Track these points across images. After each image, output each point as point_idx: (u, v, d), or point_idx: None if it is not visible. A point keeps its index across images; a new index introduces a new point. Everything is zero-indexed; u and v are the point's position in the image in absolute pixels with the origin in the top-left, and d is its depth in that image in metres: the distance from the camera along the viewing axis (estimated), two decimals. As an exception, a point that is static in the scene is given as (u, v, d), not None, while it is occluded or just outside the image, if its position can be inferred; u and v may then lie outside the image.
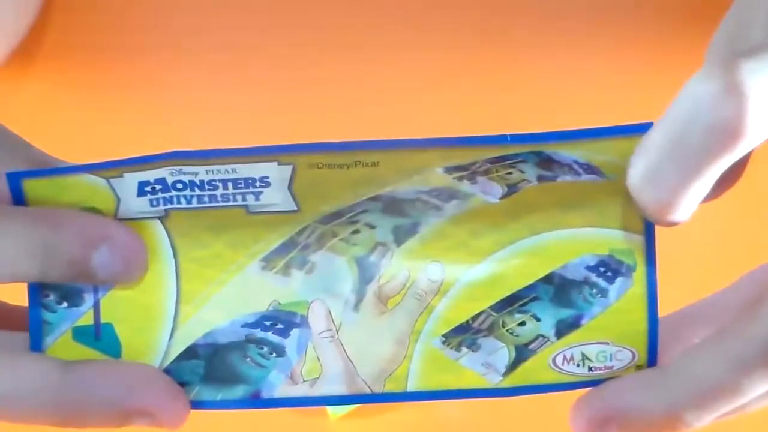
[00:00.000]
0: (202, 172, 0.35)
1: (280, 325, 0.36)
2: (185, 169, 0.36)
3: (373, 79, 0.56)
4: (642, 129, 0.33)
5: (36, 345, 0.35)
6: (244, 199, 0.36)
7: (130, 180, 0.36)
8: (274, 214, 0.36)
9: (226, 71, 0.56)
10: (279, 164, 0.35)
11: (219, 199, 0.36)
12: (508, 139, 0.34)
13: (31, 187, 0.35)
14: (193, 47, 0.57)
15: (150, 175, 0.36)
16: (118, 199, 0.36)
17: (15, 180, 0.35)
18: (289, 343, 0.36)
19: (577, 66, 0.54)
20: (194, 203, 0.36)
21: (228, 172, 0.36)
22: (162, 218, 0.36)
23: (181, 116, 0.56)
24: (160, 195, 0.36)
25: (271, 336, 0.36)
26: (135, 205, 0.36)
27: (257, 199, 0.36)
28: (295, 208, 0.36)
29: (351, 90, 0.56)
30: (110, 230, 0.34)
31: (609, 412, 0.34)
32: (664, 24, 0.46)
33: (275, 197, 0.36)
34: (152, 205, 0.36)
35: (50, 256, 0.33)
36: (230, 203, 0.36)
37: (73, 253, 0.33)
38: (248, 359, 0.36)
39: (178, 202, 0.36)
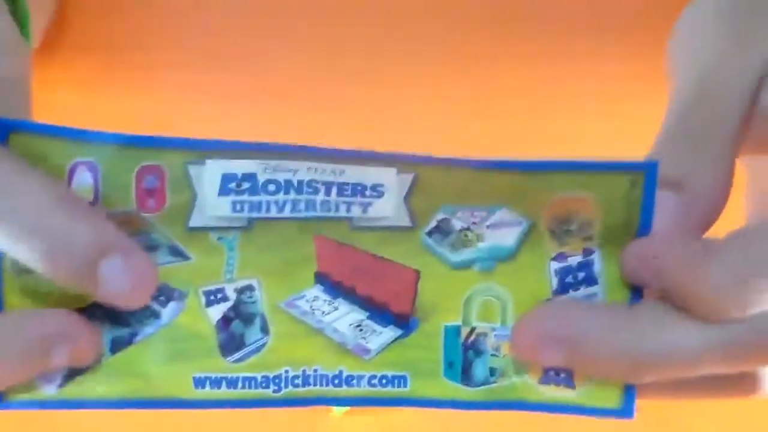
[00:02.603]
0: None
1: None
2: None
3: (375, 86, 0.56)
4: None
5: None
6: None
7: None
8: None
9: (242, 73, 0.57)
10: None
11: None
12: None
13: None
14: (209, 48, 0.58)
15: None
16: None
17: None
18: None
19: (580, 78, 0.54)
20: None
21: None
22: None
23: (198, 114, 0.56)
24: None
25: None
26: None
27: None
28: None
29: (355, 94, 0.56)
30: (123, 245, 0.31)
31: (561, 332, 0.32)
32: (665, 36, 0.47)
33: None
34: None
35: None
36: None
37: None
38: None
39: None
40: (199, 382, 0.33)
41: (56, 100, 0.54)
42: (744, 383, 0.34)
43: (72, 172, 0.32)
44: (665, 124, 0.35)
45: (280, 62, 0.55)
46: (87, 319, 0.32)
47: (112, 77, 0.54)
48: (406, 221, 0.33)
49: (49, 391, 0.33)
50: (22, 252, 0.31)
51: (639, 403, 0.34)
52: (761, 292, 0.31)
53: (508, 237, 0.34)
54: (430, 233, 0.33)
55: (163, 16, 0.55)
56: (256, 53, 0.55)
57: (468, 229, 0.33)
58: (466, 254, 0.34)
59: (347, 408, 0.47)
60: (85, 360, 0.33)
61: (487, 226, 0.33)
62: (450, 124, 0.54)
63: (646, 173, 0.33)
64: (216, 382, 0.33)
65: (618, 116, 0.52)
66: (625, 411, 0.34)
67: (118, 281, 0.31)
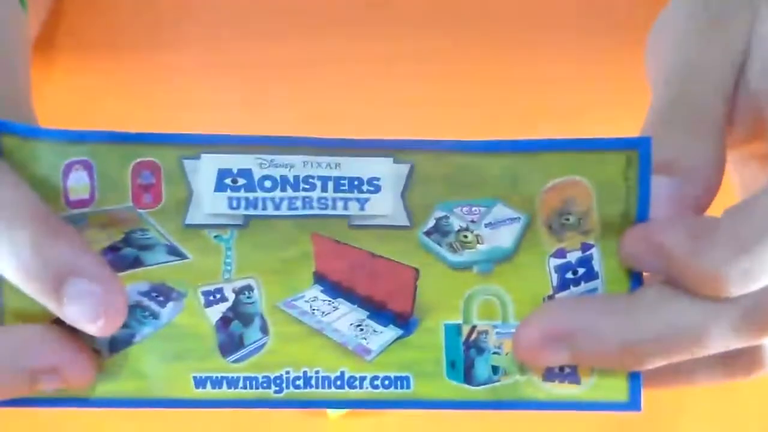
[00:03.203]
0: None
1: None
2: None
3: (366, 80, 0.56)
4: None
5: None
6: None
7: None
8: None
9: (245, 69, 0.56)
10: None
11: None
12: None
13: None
14: (205, 41, 0.57)
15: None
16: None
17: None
18: None
19: (572, 74, 0.54)
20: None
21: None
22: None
23: (195, 111, 0.56)
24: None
25: None
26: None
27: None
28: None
29: (353, 95, 0.56)
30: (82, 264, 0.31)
31: (563, 330, 0.32)
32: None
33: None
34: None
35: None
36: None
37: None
38: None
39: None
40: (200, 382, 0.33)
41: (55, 95, 0.54)
42: (751, 360, 0.34)
43: (67, 171, 0.32)
44: (651, 111, 0.34)
45: (283, 58, 0.55)
46: (79, 342, 0.32)
47: (111, 73, 0.54)
48: (403, 220, 0.32)
49: (48, 389, 0.33)
50: None
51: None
52: (766, 261, 0.30)
53: (506, 236, 0.33)
54: (428, 233, 0.33)
55: (162, 13, 0.55)
56: (259, 49, 0.55)
57: (467, 228, 0.33)
58: (465, 256, 0.33)
59: (344, 411, 0.47)
60: (74, 386, 0.33)
61: (486, 225, 0.33)
62: (448, 124, 0.54)
63: (640, 150, 0.32)
64: (217, 382, 0.33)
65: (619, 115, 0.52)
66: (632, 404, 0.34)
67: (81, 307, 0.31)
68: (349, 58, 0.56)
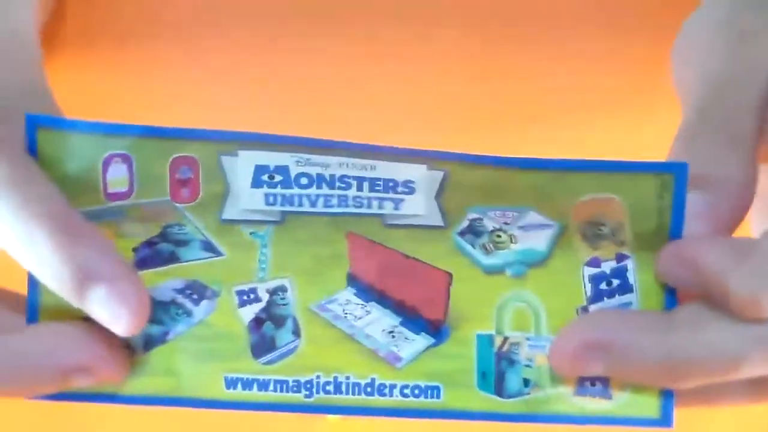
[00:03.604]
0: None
1: None
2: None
3: (369, 78, 0.56)
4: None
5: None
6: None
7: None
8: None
9: (252, 63, 0.56)
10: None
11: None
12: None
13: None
14: (209, 39, 0.57)
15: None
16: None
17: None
18: None
19: (575, 71, 0.54)
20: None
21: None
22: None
23: (199, 104, 0.55)
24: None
25: None
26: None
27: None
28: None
29: (352, 85, 0.56)
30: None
31: (602, 340, 0.32)
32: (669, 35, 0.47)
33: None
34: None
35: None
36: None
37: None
38: None
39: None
40: (231, 383, 0.33)
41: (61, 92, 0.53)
42: None
43: (106, 164, 0.32)
44: (683, 123, 0.34)
45: (290, 54, 0.55)
46: (112, 339, 0.32)
47: (115, 68, 0.54)
48: (438, 220, 0.33)
49: (81, 386, 0.33)
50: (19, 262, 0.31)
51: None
52: None
53: (540, 240, 0.33)
54: (462, 233, 0.33)
55: (163, 9, 0.55)
56: (264, 41, 0.55)
57: (500, 229, 0.33)
58: (498, 257, 0.33)
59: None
60: (107, 382, 0.33)
61: (519, 227, 0.33)
62: (451, 123, 0.54)
63: (675, 175, 0.32)
64: (248, 384, 0.33)
65: (621, 113, 0.52)
66: (663, 420, 0.33)
67: (102, 308, 0.31)
68: (349, 57, 0.56)
